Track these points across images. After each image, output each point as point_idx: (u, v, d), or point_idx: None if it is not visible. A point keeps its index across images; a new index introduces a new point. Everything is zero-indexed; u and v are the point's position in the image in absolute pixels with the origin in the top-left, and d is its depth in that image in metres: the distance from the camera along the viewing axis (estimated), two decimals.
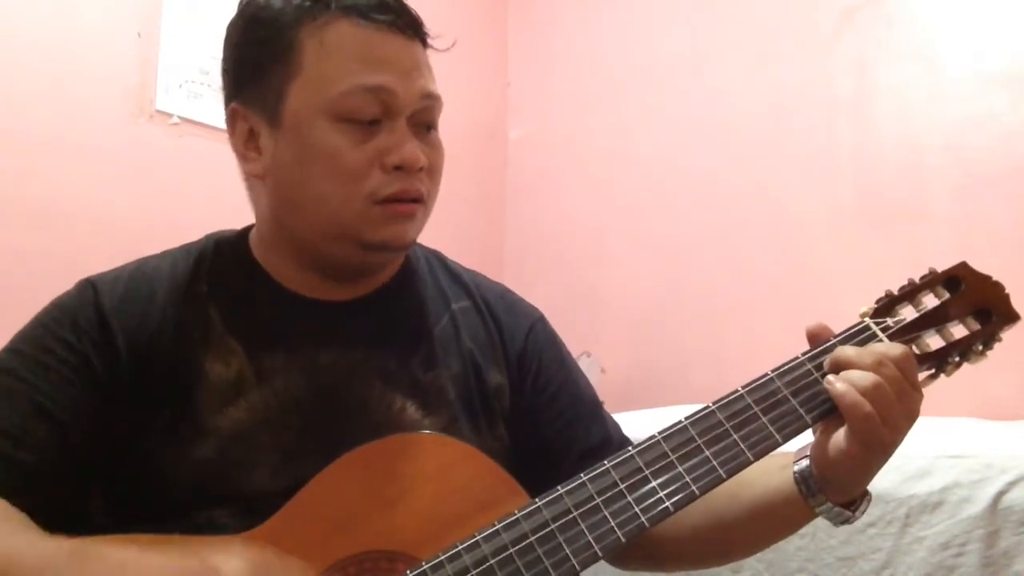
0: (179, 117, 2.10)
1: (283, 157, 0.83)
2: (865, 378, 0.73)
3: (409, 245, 0.88)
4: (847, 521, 0.79)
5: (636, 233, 2.60)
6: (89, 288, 0.84)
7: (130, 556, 0.67)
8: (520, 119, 2.97)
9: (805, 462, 0.78)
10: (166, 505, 0.78)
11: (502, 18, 3.00)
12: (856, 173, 2.20)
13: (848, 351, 0.76)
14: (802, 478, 0.78)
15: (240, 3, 0.88)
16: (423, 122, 0.85)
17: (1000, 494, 1.24)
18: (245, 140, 0.86)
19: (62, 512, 0.77)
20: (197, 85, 2.13)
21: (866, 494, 0.80)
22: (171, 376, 0.81)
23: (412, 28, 0.85)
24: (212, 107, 2.13)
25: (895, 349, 0.75)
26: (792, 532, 0.86)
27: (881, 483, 1.31)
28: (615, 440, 0.95)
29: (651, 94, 2.62)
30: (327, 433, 0.82)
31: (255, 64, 0.85)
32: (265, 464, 0.80)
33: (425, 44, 0.88)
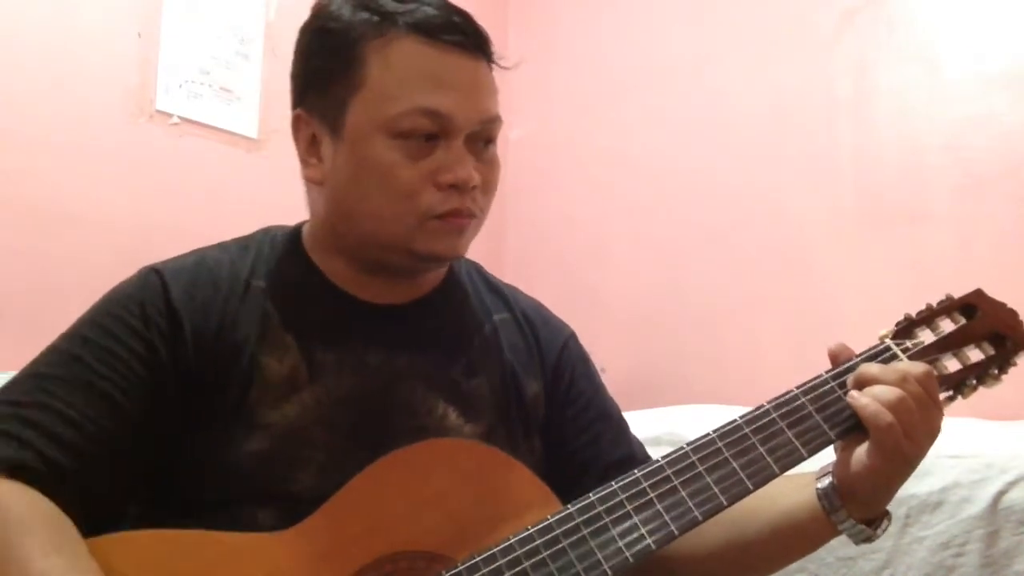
0: (179, 117, 2.10)
1: (341, 168, 0.85)
2: (889, 392, 0.75)
3: (459, 257, 0.90)
4: (868, 539, 0.81)
5: (636, 233, 2.61)
6: (155, 276, 0.85)
7: None
8: (520, 119, 2.97)
9: (828, 479, 0.80)
10: (211, 500, 0.79)
11: (502, 18, 3.00)
12: (856, 174, 2.20)
13: (873, 368, 0.78)
14: (825, 495, 0.79)
15: (312, 11, 0.89)
16: (481, 139, 0.86)
17: (1000, 494, 1.24)
18: (307, 146, 0.88)
19: (108, 503, 0.78)
20: (197, 85, 2.13)
21: (886, 513, 0.82)
22: (230, 370, 0.82)
23: (478, 48, 0.85)
24: (212, 107, 2.13)
25: (918, 367, 0.78)
26: (812, 550, 0.86)
27: None
28: (638, 457, 0.96)
29: (651, 95, 2.62)
30: (373, 433, 0.83)
31: (321, 74, 0.86)
32: (313, 462, 0.81)
33: (491, 62, 0.88)
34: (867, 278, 2.10)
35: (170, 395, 0.80)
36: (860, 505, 0.79)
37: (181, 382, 0.81)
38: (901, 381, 0.75)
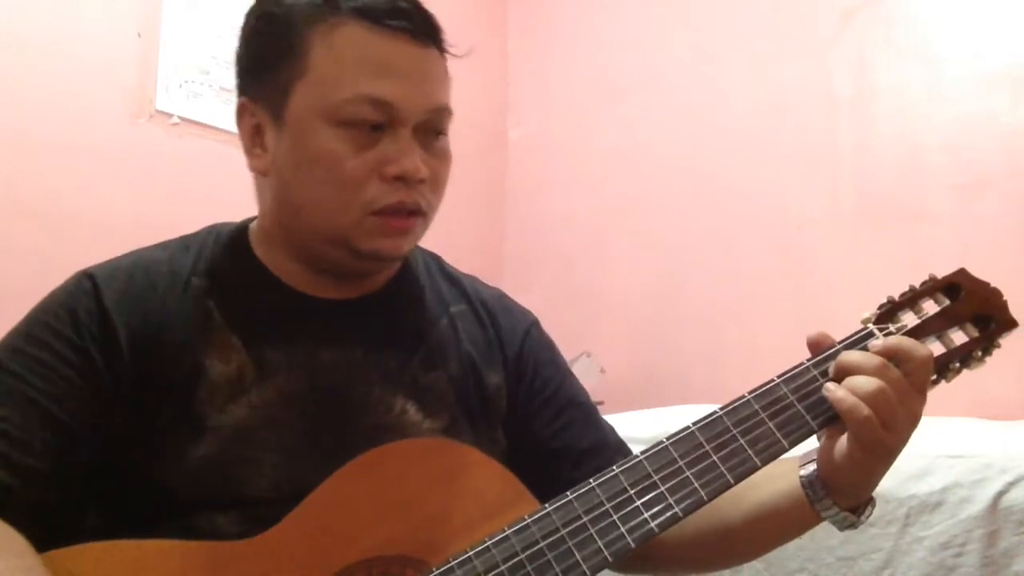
0: (179, 117, 2.10)
1: (284, 157, 0.82)
2: (867, 383, 0.73)
3: (402, 256, 0.87)
4: (852, 526, 0.79)
5: (636, 233, 2.60)
6: (87, 280, 0.82)
7: None
8: (520, 119, 2.97)
9: (812, 467, 0.79)
10: (165, 508, 0.77)
11: (502, 18, 3.00)
12: (856, 173, 2.20)
13: (853, 356, 0.76)
14: (808, 483, 0.78)
15: None
16: (430, 130, 0.83)
17: (1000, 494, 1.24)
18: (252, 135, 0.86)
19: (61, 516, 0.75)
20: (197, 85, 2.13)
21: (871, 499, 0.80)
22: (172, 373, 0.80)
23: (427, 35, 0.82)
24: (212, 107, 2.13)
25: (920, 350, 0.75)
26: (796, 536, 0.85)
27: (881, 483, 1.29)
28: (611, 442, 0.95)
29: (651, 94, 2.62)
30: (328, 433, 0.81)
31: (264, 59, 0.84)
32: (266, 463, 0.79)
33: (442, 50, 0.85)
34: (866, 277, 2.10)
35: (110, 401, 0.78)
36: (843, 494, 0.78)
37: (120, 388, 0.78)
38: (882, 369, 0.73)
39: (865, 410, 0.72)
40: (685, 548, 0.87)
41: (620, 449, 0.95)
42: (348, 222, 0.81)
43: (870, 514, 0.80)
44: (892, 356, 0.75)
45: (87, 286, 0.81)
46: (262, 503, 0.77)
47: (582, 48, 2.81)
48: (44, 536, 0.71)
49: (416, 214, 0.83)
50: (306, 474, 0.77)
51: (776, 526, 0.83)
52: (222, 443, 0.78)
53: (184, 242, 0.89)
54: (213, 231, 0.91)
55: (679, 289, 2.47)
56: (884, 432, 0.73)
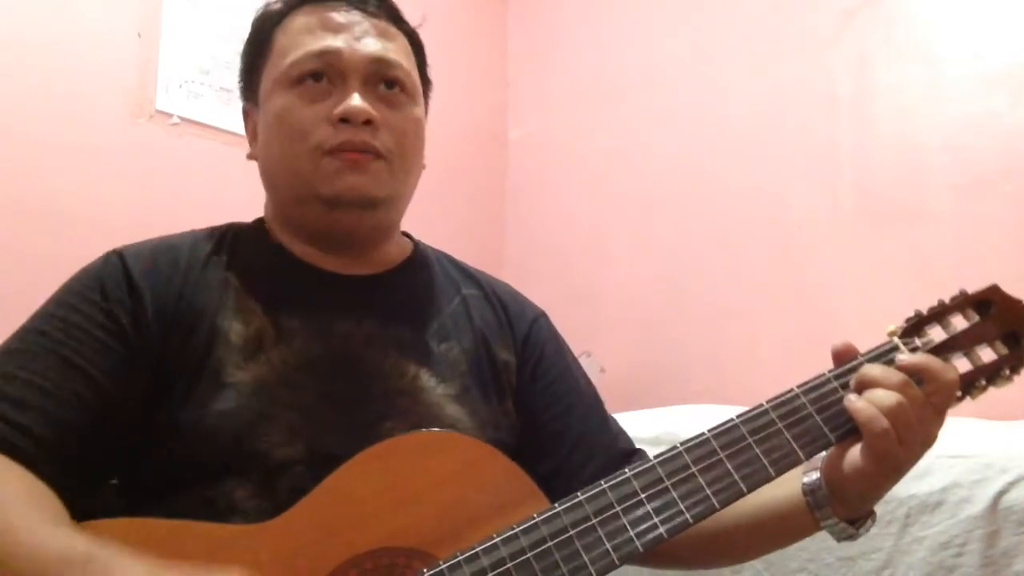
0: (179, 117, 2.10)
1: (261, 135, 0.92)
2: (888, 397, 0.73)
3: (371, 200, 0.89)
4: (850, 538, 0.80)
5: (636, 233, 2.60)
6: (116, 256, 0.87)
7: None
8: (520, 119, 2.97)
9: (815, 475, 0.79)
10: (184, 473, 0.78)
11: (502, 18, 3.00)
12: (856, 173, 2.20)
13: (875, 370, 0.76)
14: (810, 491, 0.79)
15: None
16: (382, 81, 0.90)
17: (1000, 494, 1.24)
18: (252, 133, 0.96)
19: (89, 474, 0.78)
20: (197, 85, 2.13)
21: (871, 512, 0.81)
22: (194, 335, 0.83)
23: (374, 5, 0.92)
24: (212, 107, 2.13)
25: (948, 374, 0.75)
26: (794, 542, 0.86)
27: None
28: (612, 429, 0.97)
29: (651, 94, 2.62)
30: (343, 397, 0.83)
31: (247, 65, 0.97)
32: (282, 420, 0.80)
33: (395, 22, 0.93)
34: (866, 277, 2.10)
35: (138, 363, 0.81)
36: (846, 504, 0.78)
37: (147, 351, 0.82)
38: (902, 386, 0.74)
39: (884, 422, 0.73)
40: (681, 545, 0.88)
41: (620, 437, 0.97)
42: (306, 168, 0.87)
43: (869, 527, 0.80)
44: (917, 374, 0.75)
45: (115, 260, 0.86)
46: (276, 469, 0.78)
47: (582, 48, 2.81)
48: (71, 493, 0.74)
49: (368, 153, 0.87)
50: (320, 435, 0.79)
51: (773, 531, 0.84)
52: (241, 398, 0.81)
53: (206, 232, 0.94)
54: (233, 226, 0.96)
55: (679, 289, 2.47)
56: (898, 447, 0.73)
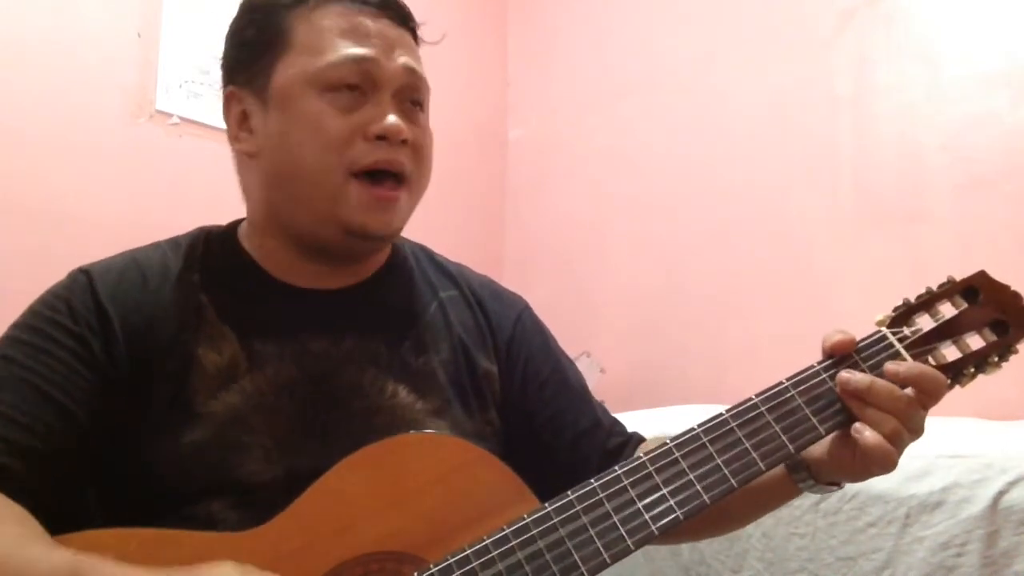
0: (179, 117, 2.10)
1: (272, 133, 0.85)
2: (887, 422, 0.75)
3: (394, 234, 0.88)
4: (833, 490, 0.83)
5: (636, 233, 2.60)
6: (82, 276, 0.84)
7: None
8: (520, 119, 2.97)
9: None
10: (161, 496, 0.77)
11: (502, 18, 3.00)
12: (856, 173, 2.20)
13: (877, 386, 0.76)
14: (792, 467, 0.81)
15: None
16: (409, 98, 0.87)
17: (1000, 494, 1.24)
18: (238, 122, 0.89)
19: (61, 502, 0.76)
20: (197, 85, 2.13)
21: None
22: (165, 363, 0.81)
23: (400, 17, 0.88)
24: (212, 107, 2.13)
25: (940, 381, 0.77)
26: (779, 506, 0.89)
27: (881, 483, 1.31)
28: (605, 423, 0.96)
29: (651, 94, 2.62)
30: (320, 418, 0.82)
31: (248, 48, 0.88)
32: (258, 448, 0.79)
33: (415, 36, 0.90)
34: (866, 277, 2.10)
35: (108, 388, 0.79)
36: (826, 479, 0.81)
37: (117, 375, 0.80)
38: (892, 401, 0.75)
39: (888, 447, 0.74)
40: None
41: (614, 430, 0.97)
42: (332, 186, 0.83)
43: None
44: (913, 383, 0.76)
45: (82, 280, 0.83)
46: (255, 488, 0.77)
47: (582, 48, 2.81)
48: (44, 520, 0.72)
49: (400, 182, 0.85)
50: (297, 458, 0.78)
51: (758, 500, 0.87)
52: (214, 429, 0.79)
53: (175, 241, 0.91)
54: (203, 232, 0.93)
55: (679, 289, 2.47)
56: (892, 450, 0.75)
